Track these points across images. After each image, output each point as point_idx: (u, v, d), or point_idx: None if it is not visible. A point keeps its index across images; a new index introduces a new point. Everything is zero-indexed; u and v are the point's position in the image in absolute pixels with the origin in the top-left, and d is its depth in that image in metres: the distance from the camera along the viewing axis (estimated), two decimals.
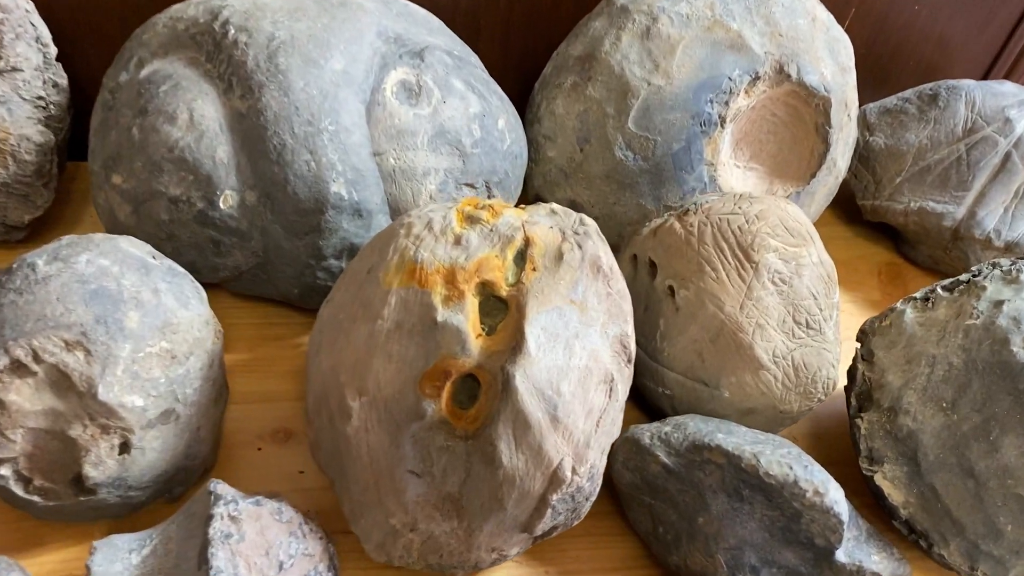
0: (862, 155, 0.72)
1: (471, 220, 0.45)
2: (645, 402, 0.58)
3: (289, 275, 0.56)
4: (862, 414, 0.53)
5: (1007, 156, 0.66)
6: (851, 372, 0.55)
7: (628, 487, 0.51)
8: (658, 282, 0.54)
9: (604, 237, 0.47)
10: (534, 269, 0.43)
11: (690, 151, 0.61)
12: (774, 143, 0.66)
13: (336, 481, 0.47)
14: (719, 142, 0.62)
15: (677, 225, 0.53)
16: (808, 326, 0.51)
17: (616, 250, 0.64)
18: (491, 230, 0.44)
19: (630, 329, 0.45)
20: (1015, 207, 0.66)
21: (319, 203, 0.52)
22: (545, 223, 0.45)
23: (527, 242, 0.44)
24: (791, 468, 0.46)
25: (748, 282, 0.50)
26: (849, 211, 0.79)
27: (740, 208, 0.51)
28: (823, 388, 0.52)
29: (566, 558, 0.52)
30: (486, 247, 0.43)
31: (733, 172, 0.65)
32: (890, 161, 0.70)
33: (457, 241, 0.43)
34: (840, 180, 0.69)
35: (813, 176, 0.65)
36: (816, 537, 0.47)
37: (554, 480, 0.42)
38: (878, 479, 0.51)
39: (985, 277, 0.52)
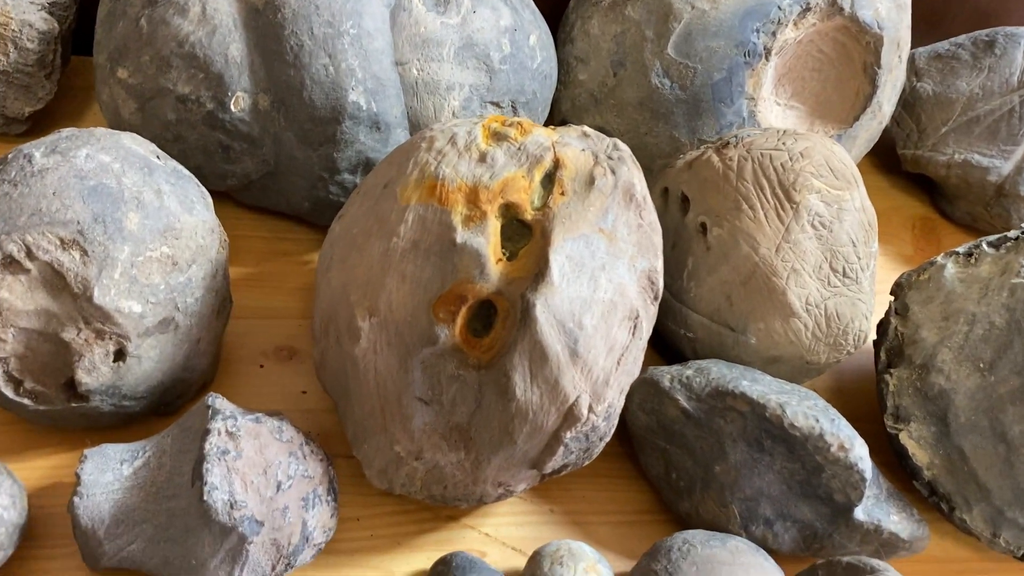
0: (907, 101, 0.69)
1: (498, 137, 0.42)
2: (665, 344, 0.56)
3: (301, 187, 0.53)
4: (891, 370, 0.50)
5: None
6: (882, 326, 0.52)
7: (642, 430, 0.49)
8: (690, 218, 0.51)
9: (639, 164, 0.44)
10: (563, 193, 0.40)
11: (731, 82, 0.57)
12: (818, 81, 0.63)
13: (340, 403, 0.45)
14: (762, 75, 0.58)
15: (715, 158, 0.50)
16: (845, 274, 0.48)
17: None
18: (519, 149, 0.41)
19: (659, 264, 0.43)
20: None
21: (336, 112, 0.49)
22: (577, 145, 0.42)
23: (557, 164, 0.41)
24: (817, 420, 0.43)
25: (787, 223, 0.47)
26: (887, 160, 0.75)
27: (784, 144, 0.48)
28: (854, 340, 0.50)
29: (572, 497, 0.50)
30: (512, 166, 0.40)
31: (773, 109, 0.62)
32: (937, 109, 0.67)
33: (482, 158, 0.41)
34: (883, 126, 0.66)
35: (856, 119, 0.62)
36: (836, 493, 0.45)
37: (569, 417, 0.40)
38: (903, 438, 0.49)
39: None
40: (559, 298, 0.38)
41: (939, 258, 0.51)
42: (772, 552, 0.47)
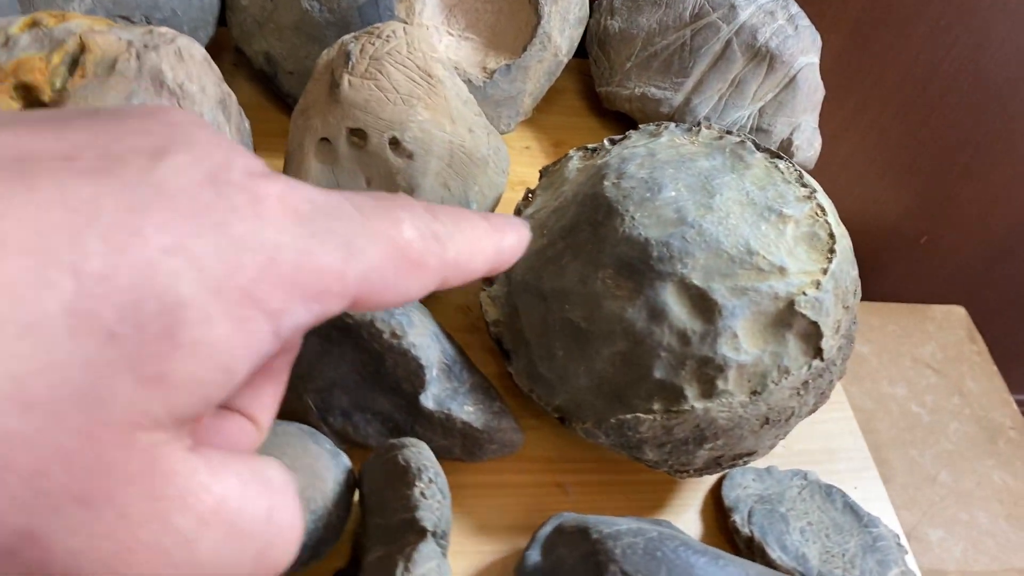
0: (600, 40, 0.71)
1: (32, 25, 0.42)
2: None
3: None
4: None
5: (728, 44, 0.65)
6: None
7: None
8: (373, 145, 0.49)
9: (196, 58, 0.45)
10: (83, 76, 0.41)
11: (378, 6, 0.58)
12: (492, 13, 0.65)
13: None
14: (415, 1, 0.60)
15: (354, 80, 0.49)
16: (479, 113, 0.54)
17: None
18: (46, 34, 0.42)
19: None
20: (729, 96, 0.66)
21: None
22: (115, 35, 0.43)
23: (83, 48, 0.42)
24: None
25: (443, 94, 0.50)
26: (596, 102, 0.78)
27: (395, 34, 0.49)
28: (508, 162, 0.57)
29: None
30: (33, 49, 0.41)
31: (445, 39, 0.63)
32: (622, 45, 0.69)
33: (5, 43, 0.41)
34: (562, 61, 0.68)
35: (524, 49, 0.64)
36: (403, 382, 0.46)
37: None
38: (482, 296, 0.51)
39: (640, 131, 0.52)
40: None
41: (572, 151, 0.54)
42: (360, 445, 0.49)
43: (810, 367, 0.44)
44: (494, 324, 0.51)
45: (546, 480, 0.52)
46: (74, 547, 0.17)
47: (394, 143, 0.49)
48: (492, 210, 0.56)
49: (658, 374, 0.44)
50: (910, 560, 0.53)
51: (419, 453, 0.41)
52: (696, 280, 0.44)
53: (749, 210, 0.46)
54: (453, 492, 0.50)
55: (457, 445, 0.49)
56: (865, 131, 0.99)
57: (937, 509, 0.97)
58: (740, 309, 0.43)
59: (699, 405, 0.44)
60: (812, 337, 0.44)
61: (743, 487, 0.53)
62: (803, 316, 0.43)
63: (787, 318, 0.44)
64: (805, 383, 0.45)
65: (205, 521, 0.20)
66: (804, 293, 0.44)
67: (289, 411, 0.48)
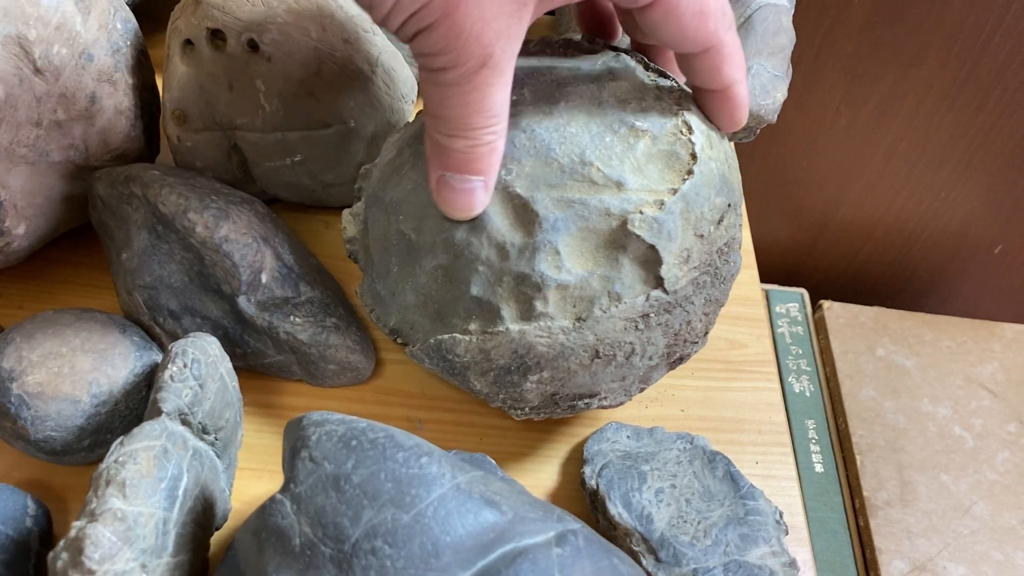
0: None
1: None
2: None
3: None
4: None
5: None
6: None
7: (97, 225, 0.50)
8: (232, 47, 0.49)
9: None
10: None
11: None
12: None
13: None
14: None
15: None
16: (375, 32, 0.52)
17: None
18: None
19: (35, 35, 0.44)
20: None
21: None
22: None
23: None
24: (187, 199, 0.44)
25: (315, 1, 0.49)
26: None
27: None
28: (412, 91, 0.55)
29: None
30: None
31: None
32: None
33: None
34: None
35: None
36: (222, 283, 0.45)
37: None
38: (344, 213, 0.47)
39: None
40: None
41: None
42: None
43: (648, 297, 0.39)
44: (350, 242, 0.48)
45: (398, 414, 0.49)
46: (474, 31, 0.33)
47: (252, 45, 0.48)
48: (381, 134, 0.53)
49: (475, 291, 0.40)
50: (800, 546, 0.46)
51: (193, 342, 0.39)
52: (519, 189, 0.39)
53: (597, 120, 0.41)
54: (288, 413, 0.48)
55: (294, 362, 0.47)
56: (908, 117, 0.90)
57: (965, 543, 0.85)
58: (563, 223, 0.39)
59: (515, 327, 0.40)
60: (651, 264, 0.39)
61: (612, 442, 0.48)
62: (638, 237, 0.38)
63: (620, 239, 0.39)
64: (645, 316, 0.40)
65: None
66: (641, 212, 0.39)
67: (128, 310, 0.47)
